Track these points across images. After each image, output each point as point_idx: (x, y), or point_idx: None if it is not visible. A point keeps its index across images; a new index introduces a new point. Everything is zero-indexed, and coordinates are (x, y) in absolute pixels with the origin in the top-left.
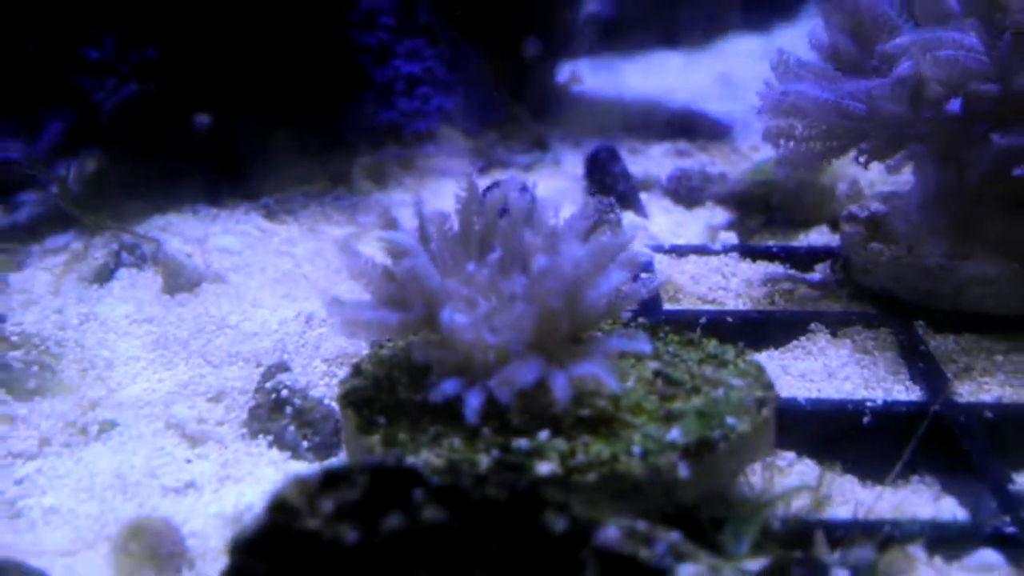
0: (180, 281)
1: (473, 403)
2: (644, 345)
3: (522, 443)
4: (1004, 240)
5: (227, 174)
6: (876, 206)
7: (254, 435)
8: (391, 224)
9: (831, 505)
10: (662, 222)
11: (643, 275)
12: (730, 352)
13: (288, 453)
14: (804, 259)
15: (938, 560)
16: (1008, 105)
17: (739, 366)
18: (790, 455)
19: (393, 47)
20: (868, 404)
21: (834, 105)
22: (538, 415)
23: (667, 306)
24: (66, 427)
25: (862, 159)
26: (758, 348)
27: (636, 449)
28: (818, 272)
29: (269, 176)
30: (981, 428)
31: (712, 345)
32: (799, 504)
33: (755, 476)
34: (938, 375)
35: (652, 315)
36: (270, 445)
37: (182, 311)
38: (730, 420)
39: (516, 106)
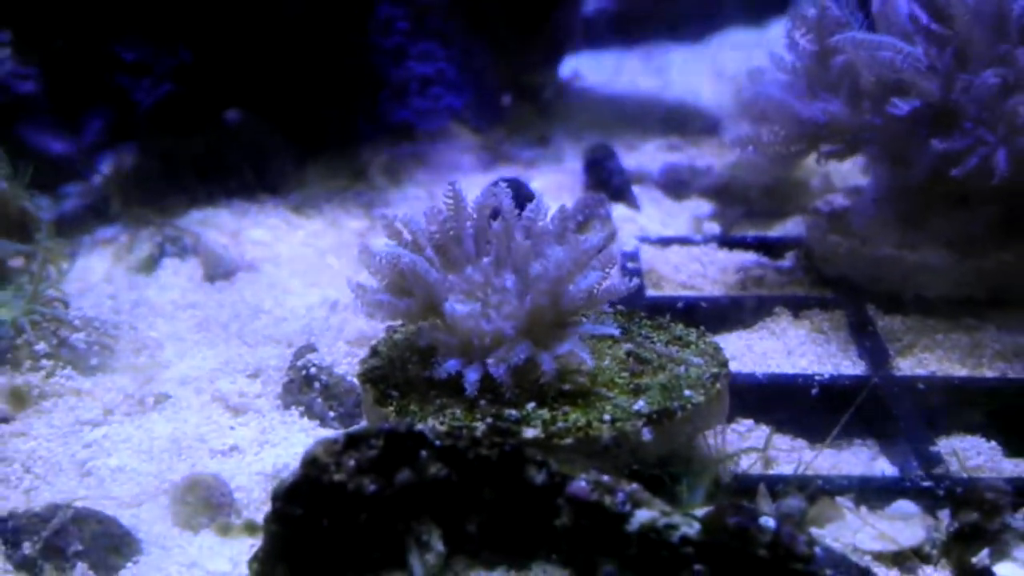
0: (218, 270)
1: (472, 378)
2: (612, 330)
3: (512, 412)
4: (946, 233)
5: (255, 171)
6: (838, 201)
7: (287, 406)
8: (394, 234)
9: (778, 464)
10: (653, 213)
11: (629, 264)
12: (693, 334)
13: (317, 422)
14: (775, 248)
15: (863, 510)
16: (947, 112)
17: (700, 346)
18: (749, 422)
19: (408, 49)
20: (816, 378)
21: (794, 113)
22: (527, 390)
23: (650, 292)
24: (126, 399)
25: (822, 160)
26: (729, 329)
27: (606, 417)
28: (787, 260)
29: (294, 173)
30: (913, 398)
31: (679, 328)
32: (750, 463)
33: (712, 439)
34: (882, 352)
35: (636, 301)
36: (301, 415)
37: (221, 297)
38: (687, 392)
39: (521, 104)
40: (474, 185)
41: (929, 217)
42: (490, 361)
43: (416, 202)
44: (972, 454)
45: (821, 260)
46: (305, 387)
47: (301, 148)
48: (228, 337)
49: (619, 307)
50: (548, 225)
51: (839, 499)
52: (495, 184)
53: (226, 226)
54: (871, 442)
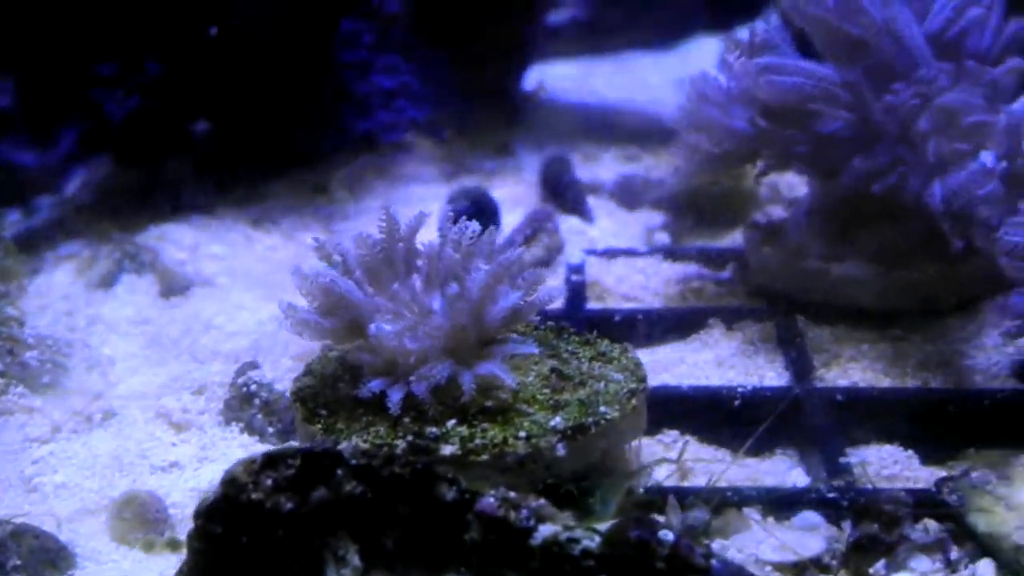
0: (174, 286)
1: (394, 398)
2: (532, 348)
3: (432, 430)
4: (872, 246)
5: (219, 185)
6: (777, 213)
7: (228, 423)
8: (325, 256)
9: (695, 475)
10: (606, 224)
11: (573, 277)
12: (616, 350)
13: (257, 437)
14: (717, 259)
15: (770, 520)
16: (868, 131)
17: (622, 362)
18: (674, 433)
19: (373, 63)
20: (739, 390)
21: (729, 127)
22: (450, 407)
23: (591, 305)
24: (74, 416)
25: (758, 172)
26: (664, 341)
27: (522, 433)
28: (728, 271)
29: (258, 186)
30: (831, 409)
31: (604, 344)
32: (667, 474)
33: (629, 452)
34: (806, 363)
35: (575, 314)
36: (241, 431)
37: (175, 313)
38: (603, 409)
39: (485, 115)
40: (435, 197)
41: (857, 230)
42: (412, 379)
43: (374, 215)
44: (889, 463)
45: (755, 272)
46: (245, 404)
47: (265, 162)
48: (179, 353)
49: (550, 323)
50: (477, 245)
51: (748, 510)
52: (456, 193)
53: (185, 241)
54: (791, 452)
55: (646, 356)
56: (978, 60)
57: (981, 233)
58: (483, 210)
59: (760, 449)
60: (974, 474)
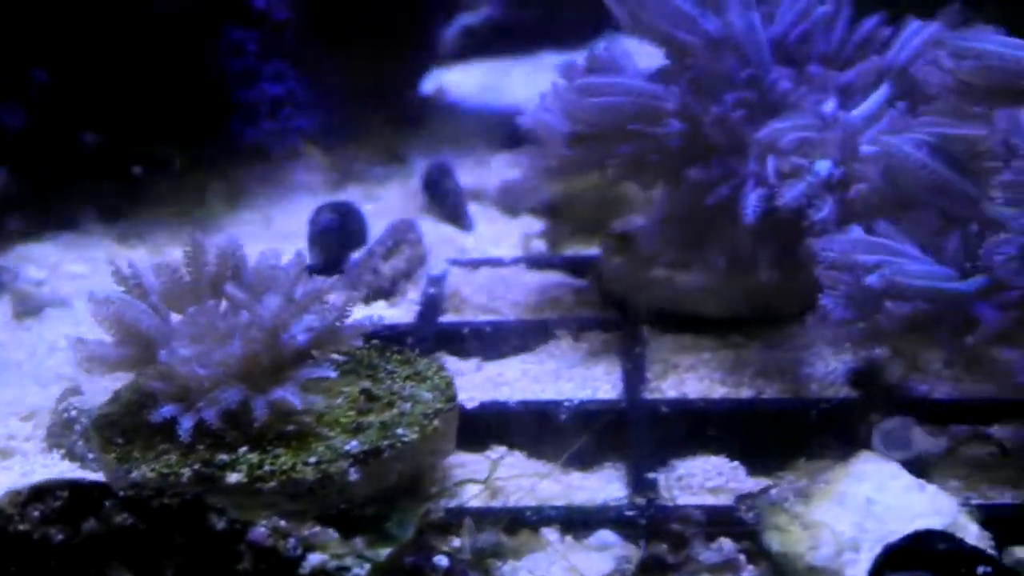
0: (28, 307)
1: (185, 425)
2: (329, 372)
3: (223, 457)
4: (716, 253)
5: (95, 199)
6: (634, 220)
7: (51, 449)
8: (122, 281)
9: (504, 494)
10: (486, 232)
11: (431, 289)
12: (431, 368)
13: (78, 463)
14: (583, 268)
15: (568, 539)
16: (701, 143)
17: (434, 381)
18: (502, 449)
19: (260, 71)
20: (566, 403)
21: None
22: (246, 433)
23: (445, 318)
24: None
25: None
26: (513, 353)
27: (312, 459)
28: (588, 280)
29: (133, 200)
30: (656, 421)
31: (421, 363)
32: (475, 493)
33: (434, 472)
34: (639, 374)
35: (426, 327)
36: (63, 457)
37: (24, 335)
38: (401, 431)
39: (379, 121)
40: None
41: (704, 238)
42: (202, 405)
43: (250, 227)
44: (714, 475)
45: (607, 281)
46: (67, 429)
47: (145, 174)
48: (21, 376)
49: (375, 342)
50: (280, 272)
51: (548, 529)
52: (322, 206)
53: (47, 260)
54: (619, 466)
55: (492, 369)
56: (826, 62)
57: (808, 245)
58: (348, 223)
59: (590, 463)
60: (773, 491)
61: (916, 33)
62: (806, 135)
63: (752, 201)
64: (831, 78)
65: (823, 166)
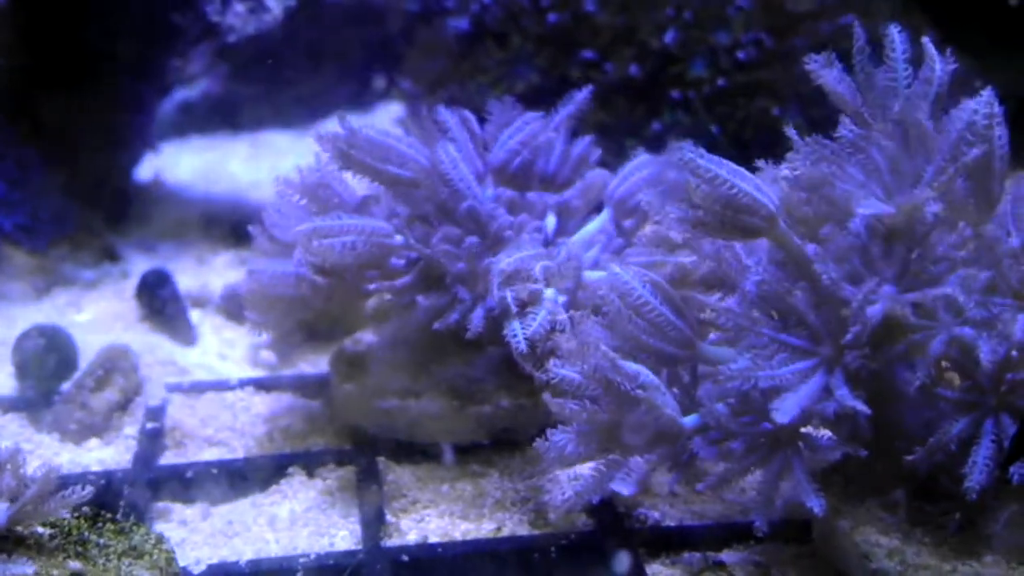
0: None
1: None
2: (27, 569)
3: None
4: (448, 379)
5: None
6: (365, 338)
7: None
8: None
9: None
10: (212, 343)
11: (149, 425)
12: (150, 541)
13: None
14: (314, 388)
15: None
16: (430, 270)
17: (153, 557)
18: None
19: None
20: (301, 560)
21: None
22: None
23: (165, 457)
24: None
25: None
26: (245, 494)
27: None
28: (320, 402)
29: None
30: (398, 573)
31: (138, 534)
32: None
33: None
34: (378, 516)
35: (145, 471)
36: None
37: None
38: None
39: (90, 215)
40: (22, 318)
41: (432, 365)
42: None
43: None
44: None
45: (339, 408)
46: None
47: None
48: None
49: (85, 509)
50: None
51: None
52: (28, 331)
53: None
54: None
55: (222, 514)
56: (546, 182)
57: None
58: (57, 349)
59: None
60: None
61: (637, 170)
62: (532, 264)
63: (477, 321)
64: (547, 201)
65: (550, 294)
